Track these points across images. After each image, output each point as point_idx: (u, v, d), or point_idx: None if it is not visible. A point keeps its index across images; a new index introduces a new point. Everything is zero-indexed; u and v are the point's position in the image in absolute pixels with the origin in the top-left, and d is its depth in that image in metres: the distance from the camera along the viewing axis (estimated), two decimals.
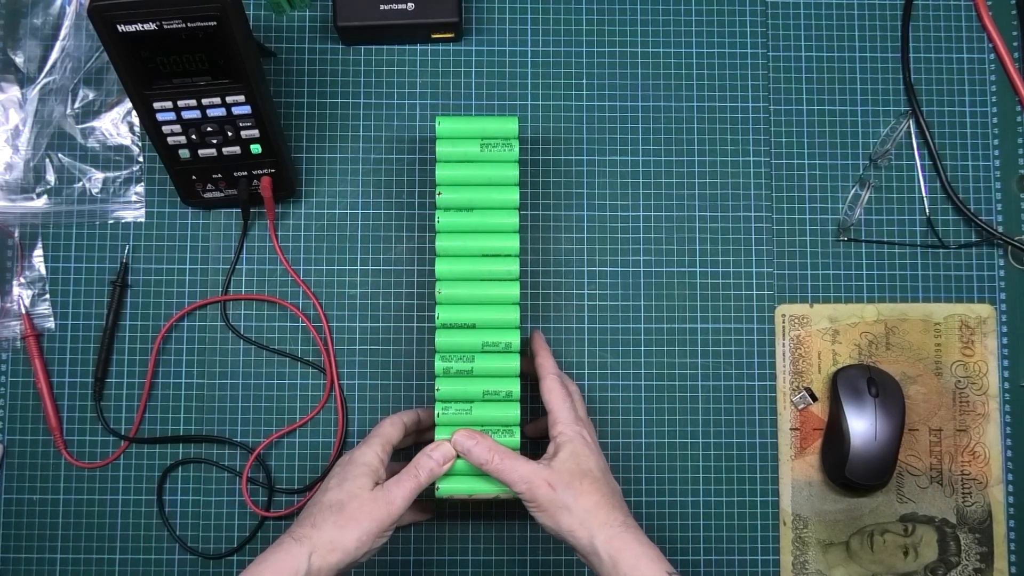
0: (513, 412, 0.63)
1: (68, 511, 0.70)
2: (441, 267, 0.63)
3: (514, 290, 0.63)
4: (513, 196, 0.64)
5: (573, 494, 0.58)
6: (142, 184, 0.72)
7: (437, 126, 0.64)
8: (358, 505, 0.57)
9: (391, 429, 0.63)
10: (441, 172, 0.64)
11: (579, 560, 0.70)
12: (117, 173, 0.72)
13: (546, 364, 0.64)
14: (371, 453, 0.60)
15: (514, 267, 0.63)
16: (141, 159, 0.72)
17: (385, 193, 0.72)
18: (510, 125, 0.64)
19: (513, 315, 0.63)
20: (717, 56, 0.74)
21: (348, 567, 0.57)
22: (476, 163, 0.64)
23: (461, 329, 0.63)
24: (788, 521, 0.71)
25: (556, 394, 0.63)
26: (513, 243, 0.63)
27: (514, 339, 0.63)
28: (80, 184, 0.72)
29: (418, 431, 0.67)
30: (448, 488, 0.63)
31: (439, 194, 0.63)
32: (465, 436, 0.61)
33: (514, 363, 0.63)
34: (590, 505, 0.58)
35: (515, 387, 0.63)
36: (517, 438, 0.62)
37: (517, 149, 0.64)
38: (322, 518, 0.57)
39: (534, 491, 0.59)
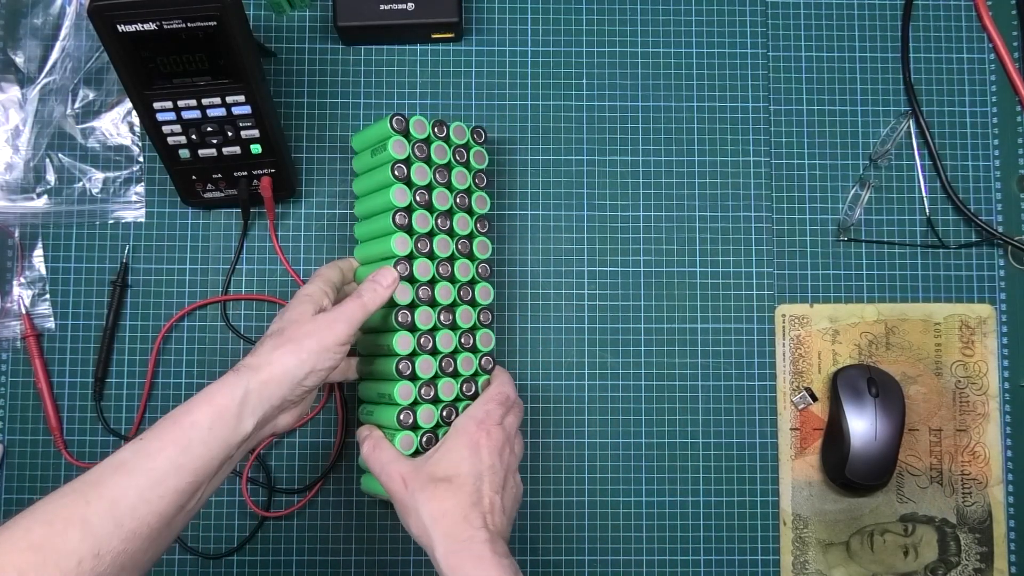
0: (391, 412, 0.62)
1: None
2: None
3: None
4: (385, 199, 0.63)
5: (425, 497, 0.55)
6: (142, 184, 0.72)
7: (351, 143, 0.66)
8: (297, 327, 0.55)
9: (328, 271, 0.62)
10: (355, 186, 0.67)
11: (579, 561, 0.70)
12: (117, 173, 0.72)
13: (505, 377, 0.64)
14: (312, 287, 0.59)
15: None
16: (141, 159, 0.72)
17: None
18: (383, 126, 0.64)
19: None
20: (717, 56, 0.74)
21: (296, 392, 0.54)
22: (368, 172, 0.66)
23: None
24: (788, 521, 0.71)
25: (490, 389, 0.62)
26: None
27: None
28: (80, 184, 0.72)
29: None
30: (368, 484, 0.65)
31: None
32: (362, 429, 0.62)
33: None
34: (437, 512, 0.54)
35: (392, 390, 0.62)
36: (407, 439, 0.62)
37: (390, 149, 0.62)
38: (264, 349, 0.54)
39: (389, 484, 0.57)
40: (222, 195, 0.69)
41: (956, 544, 0.71)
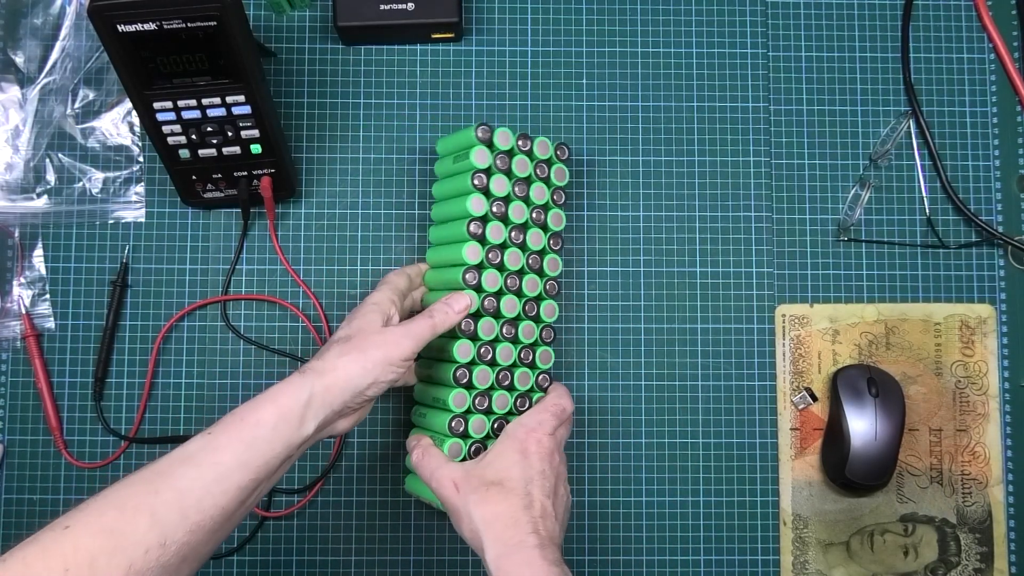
0: (443, 418, 0.63)
1: (68, 511, 0.69)
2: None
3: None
4: (462, 206, 0.63)
5: (476, 500, 0.56)
6: (142, 184, 0.72)
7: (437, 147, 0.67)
8: (364, 338, 0.56)
9: (396, 278, 0.63)
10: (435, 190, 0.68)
11: (579, 561, 0.70)
12: (117, 173, 0.72)
13: (563, 391, 0.64)
14: (380, 295, 0.60)
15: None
16: (141, 159, 0.72)
17: (385, 193, 0.72)
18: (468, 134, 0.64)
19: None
20: (717, 56, 0.74)
21: (357, 400, 0.55)
22: (449, 178, 0.66)
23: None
24: (788, 521, 0.71)
25: (547, 399, 0.62)
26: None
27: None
28: (80, 184, 0.72)
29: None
30: (413, 486, 0.65)
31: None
32: (411, 439, 0.63)
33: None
34: (489, 515, 0.55)
35: (448, 396, 0.62)
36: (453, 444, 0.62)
37: (472, 158, 0.63)
38: (327, 351, 0.56)
39: (440, 490, 0.58)
40: (222, 195, 0.69)
41: (956, 544, 0.71)
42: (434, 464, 0.60)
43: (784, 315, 0.72)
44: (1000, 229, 0.73)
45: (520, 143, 0.64)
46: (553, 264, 0.66)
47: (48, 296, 0.71)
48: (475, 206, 0.62)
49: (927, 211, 0.73)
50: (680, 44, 0.74)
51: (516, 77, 0.74)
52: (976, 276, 0.73)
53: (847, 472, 0.68)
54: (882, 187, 0.74)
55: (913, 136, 0.74)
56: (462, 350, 0.62)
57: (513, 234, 0.64)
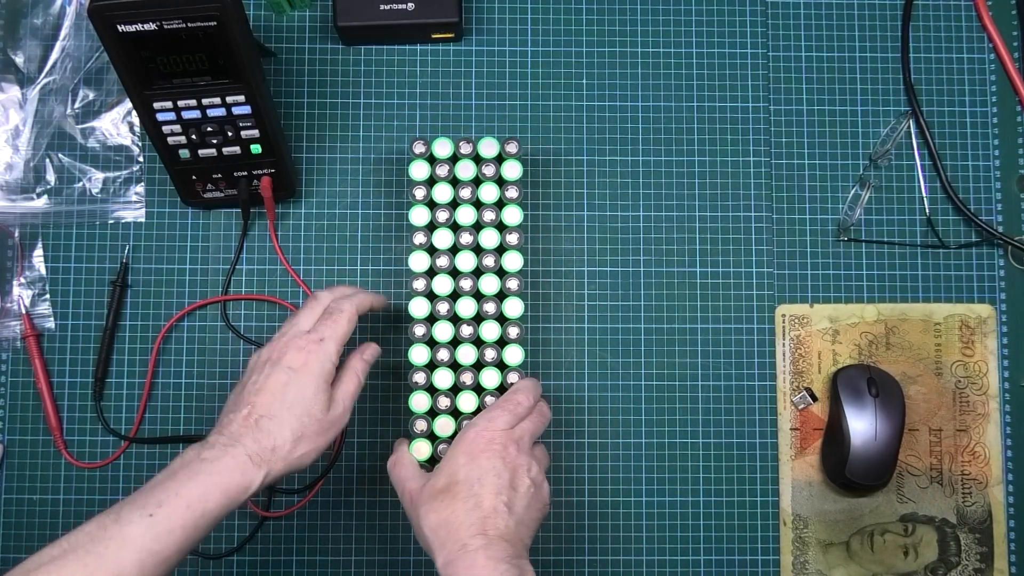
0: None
1: (68, 511, 0.70)
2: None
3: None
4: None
5: (425, 510, 0.56)
6: (142, 184, 0.72)
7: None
8: (319, 429, 0.56)
9: (349, 328, 0.59)
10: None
11: (579, 561, 0.70)
12: (117, 173, 0.72)
13: (524, 384, 0.63)
14: (330, 365, 0.57)
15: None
16: (141, 159, 0.72)
17: (385, 193, 0.72)
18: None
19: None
20: (717, 56, 0.74)
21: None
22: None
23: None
24: (788, 521, 0.71)
25: (503, 395, 0.62)
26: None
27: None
28: (80, 184, 0.72)
29: None
30: None
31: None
32: (396, 442, 0.64)
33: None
34: (435, 523, 0.55)
35: (409, 399, 0.64)
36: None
37: (410, 173, 0.65)
38: (282, 440, 0.54)
39: (402, 501, 0.59)
40: (222, 195, 0.69)
41: (956, 544, 0.71)
42: (403, 475, 0.60)
43: (784, 315, 0.72)
44: (1000, 229, 0.73)
45: (462, 147, 0.65)
46: (513, 260, 0.66)
47: (48, 296, 0.71)
48: (415, 218, 0.65)
49: (927, 211, 0.73)
50: (680, 44, 0.74)
51: (516, 77, 0.74)
52: (976, 276, 0.73)
53: (847, 472, 0.68)
54: (882, 187, 0.74)
55: (913, 136, 0.74)
56: (416, 354, 0.64)
57: (463, 237, 0.64)
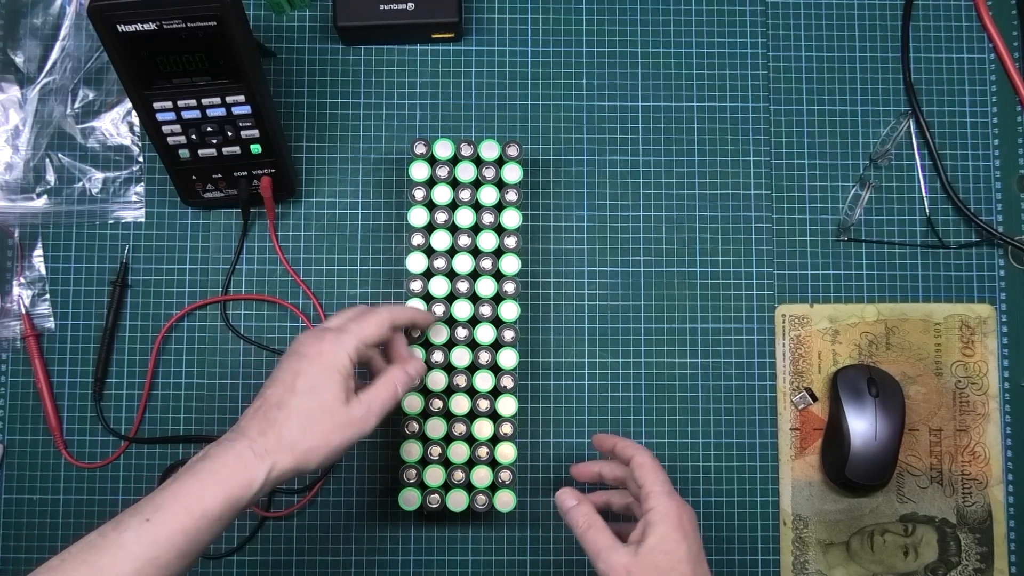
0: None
1: (68, 511, 0.70)
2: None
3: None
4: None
5: None
6: (142, 184, 0.72)
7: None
8: (331, 422, 0.52)
9: (376, 331, 0.56)
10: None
11: (579, 561, 0.70)
12: (117, 173, 0.72)
13: (634, 445, 0.61)
14: (345, 358, 0.53)
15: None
16: (141, 159, 0.72)
17: (385, 193, 0.72)
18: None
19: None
20: (717, 56, 0.74)
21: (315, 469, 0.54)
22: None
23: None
24: (788, 521, 0.71)
25: (649, 464, 0.58)
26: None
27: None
28: (80, 184, 0.72)
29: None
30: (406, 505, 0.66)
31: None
32: (568, 496, 0.58)
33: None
34: None
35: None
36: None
37: (410, 174, 0.65)
38: (288, 429, 0.51)
39: (609, 573, 0.54)
40: (222, 195, 0.69)
41: (956, 544, 0.71)
42: (601, 543, 0.55)
43: (784, 315, 0.72)
44: (1000, 229, 0.73)
45: (463, 149, 0.65)
46: (511, 264, 0.66)
47: (48, 296, 0.71)
48: (414, 219, 0.65)
49: (927, 211, 0.73)
50: (680, 44, 0.74)
51: (516, 77, 0.74)
52: (976, 276, 0.73)
53: (847, 472, 0.68)
54: (882, 187, 0.74)
55: (913, 136, 0.74)
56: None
57: (460, 240, 0.65)
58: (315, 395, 0.52)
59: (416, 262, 0.65)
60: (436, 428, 0.64)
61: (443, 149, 0.65)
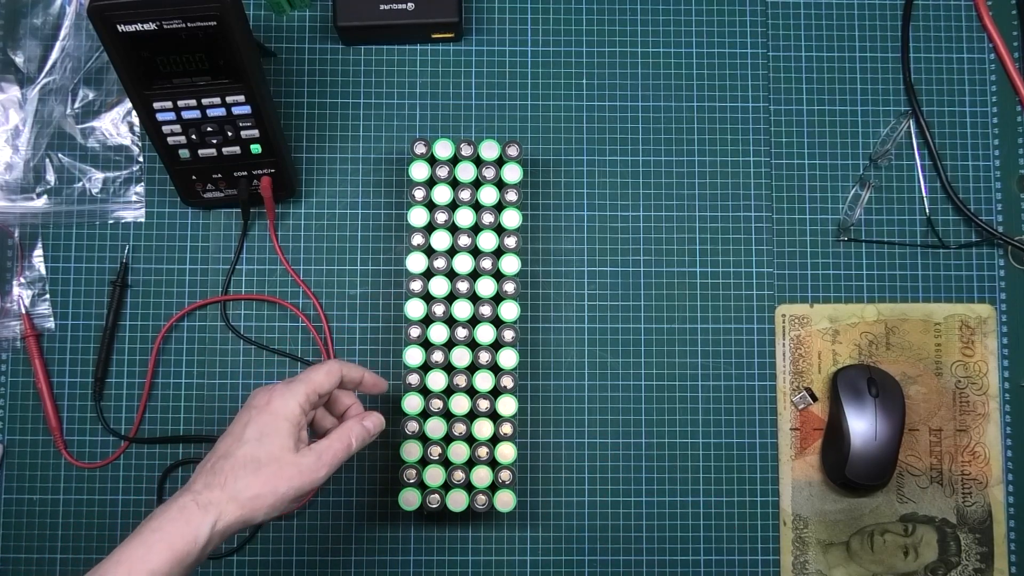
0: None
1: (68, 511, 0.70)
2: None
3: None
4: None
5: None
6: (142, 184, 0.72)
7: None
8: (278, 469, 0.51)
9: (326, 379, 0.56)
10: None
11: (579, 561, 0.70)
12: (117, 173, 0.72)
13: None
14: (295, 404, 0.53)
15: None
16: (141, 159, 0.72)
17: (385, 193, 0.72)
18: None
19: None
20: (717, 56, 0.74)
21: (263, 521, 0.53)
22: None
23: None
24: (788, 521, 0.71)
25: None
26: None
27: None
28: (80, 184, 0.72)
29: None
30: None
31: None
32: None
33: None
34: None
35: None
36: None
37: (410, 174, 0.66)
38: (234, 478, 0.50)
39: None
40: (222, 195, 0.69)
41: (956, 544, 0.71)
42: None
43: (784, 315, 0.72)
44: (1000, 229, 0.73)
45: (463, 149, 0.65)
46: (511, 264, 0.66)
47: (48, 296, 0.71)
48: (414, 219, 0.65)
49: (927, 211, 0.73)
50: (680, 44, 0.74)
51: (516, 77, 0.74)
52: (976, 276, 0.73)
53: (847, 472, 0.68)
54: (882, 187, 0.74)
55: (913, 136, 0.74)
56: (411, 356, 0.65)
57: (461, 239, 0.65)
58: (262, 443, 0.52)
59: (416, 262, 0.65)
60: (436, 428, 0.64)
61: (443, 149, 0.65)
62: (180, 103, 0.62)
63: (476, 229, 0.66)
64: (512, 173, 0.66)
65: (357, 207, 0.72)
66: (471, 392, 0.65)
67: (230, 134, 0.64)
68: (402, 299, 0.71)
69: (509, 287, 0.65)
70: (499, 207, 0.66)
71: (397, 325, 0.71)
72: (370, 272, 0.72)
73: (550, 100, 0.74)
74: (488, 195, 0.65)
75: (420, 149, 0.65)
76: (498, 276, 0.65)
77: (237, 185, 0.68)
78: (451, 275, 0.65)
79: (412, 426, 0.65)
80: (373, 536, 0.70)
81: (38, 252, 0.71)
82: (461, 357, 0.65)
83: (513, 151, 0.66)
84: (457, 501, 0.64)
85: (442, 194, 0.65)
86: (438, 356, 0.65)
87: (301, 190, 0.72)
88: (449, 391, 0.65)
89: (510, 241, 0.65)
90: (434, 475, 0.65)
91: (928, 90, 0.74)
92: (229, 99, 0.62)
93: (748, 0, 0.75)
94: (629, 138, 0.73)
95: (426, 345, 0.65)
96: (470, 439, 0.65)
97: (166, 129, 0.64)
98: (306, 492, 0.53)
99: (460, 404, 0.64)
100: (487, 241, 0.65)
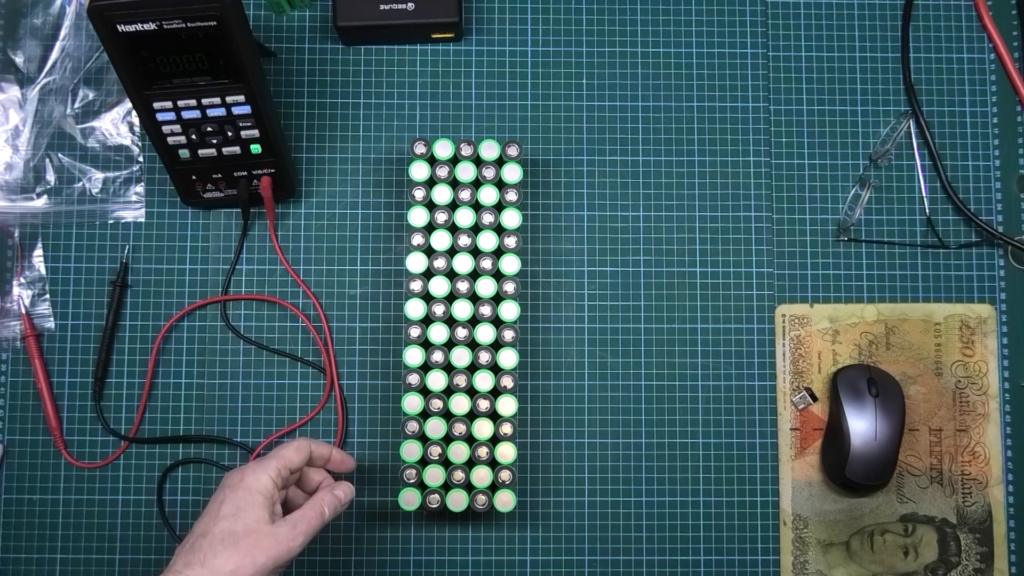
0: None
1: (68, 511, 0.70)
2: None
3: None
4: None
5: None
6: (142, 184, 0.72)
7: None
8: (255, 541, 0.53)
9: (295, 454, 0.59)
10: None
11: (579, 561, 0.70)
12: (117, 173, 0.72)
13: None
14: (267, 479, 0.56)
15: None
16: (141, 159, 0.72)
17: (385, 193, 0.72)
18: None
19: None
20: (717, 56, 0.74)
21: None
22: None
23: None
24: (788, 521, 0.71)
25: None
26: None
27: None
28: (80, 184, 0.72)
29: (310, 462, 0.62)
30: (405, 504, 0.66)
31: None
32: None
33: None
34: None
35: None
36: None
37: (410, 174, 0.66)
38: (213, 553, 0.52)
39: None
40: (222, 195, 0.69)
41: (956, 544, 0.71)
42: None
43: (784, 315, 0.72)
44: (1000, 229, 0.73)
45: (463, 149, 0.65)
46: (511, 264, 0.66)
47: (48, 296, 0.71)
48: (414, 219, 0.65)
49: (927, 211, 0.73)
50: (680, 44, 0.74)
51: (516, 77, 0.74)
52: (976, 276, 0.73)
53: (847, 472, 0.68)
54: (882, 187, 0.74)
55: (913, 136, 0.74)
56: (411, 355, 0.65)
57: (461, 239, 0.65)
58: (238, 517, 0.54)
59: (416, 262, 0.65)
60: (436, 428, 0.65)
61: (443, 149, 0.66)
62: (180, 103, 0.62)
63: (476, 229, 0.66)
64: (512, 173, 0.66)
65: (357, 207, 0.72)
66: (471, 392, 0.65)
67: (230, 134, 0.64)
68: (402, 299, 0.71)
69: (509, 287, 0.65)
70: (499, 207, 0.66)
71: (397, 325, 0.71)
72: (370, 272, 0.72)
73: (550, 100, 0.74)
74: (488, 195, 0.65)
75: (420, 149, 0.65)
76: (498, 276, 0.65)
77: (237, 185, 0.68)
78: (451, 275, 0.65)
79: (412, 426, 0.65)
80: (373, 536, 0.70)
81: (38, 252, 0.71)
82: (461, 357, 0.65)
83: (513, 151, 0.66)
84: (457, 501, 0.64)
85: (442, 194, 0.65)
86: (438, 356, 0.65)
87: (301, 190, 0.72)
88: (449, 391, 0.65)
89: (510, 241, 0.65)
90: (434, 475, 0.65)
91: (928, 90, 0.74)
92: (229, 99, 0.62)
93: (748, 0, 0.75)
94: (629, 138, 0.73)
95: (426, 345, 0.65)
96: (470, 439, 0.65)
97: (166, 129, 0.64)
98: (283, 562, 0.54)
99: (460, 404, 0.64)
100: (487, 241, 0.65)
